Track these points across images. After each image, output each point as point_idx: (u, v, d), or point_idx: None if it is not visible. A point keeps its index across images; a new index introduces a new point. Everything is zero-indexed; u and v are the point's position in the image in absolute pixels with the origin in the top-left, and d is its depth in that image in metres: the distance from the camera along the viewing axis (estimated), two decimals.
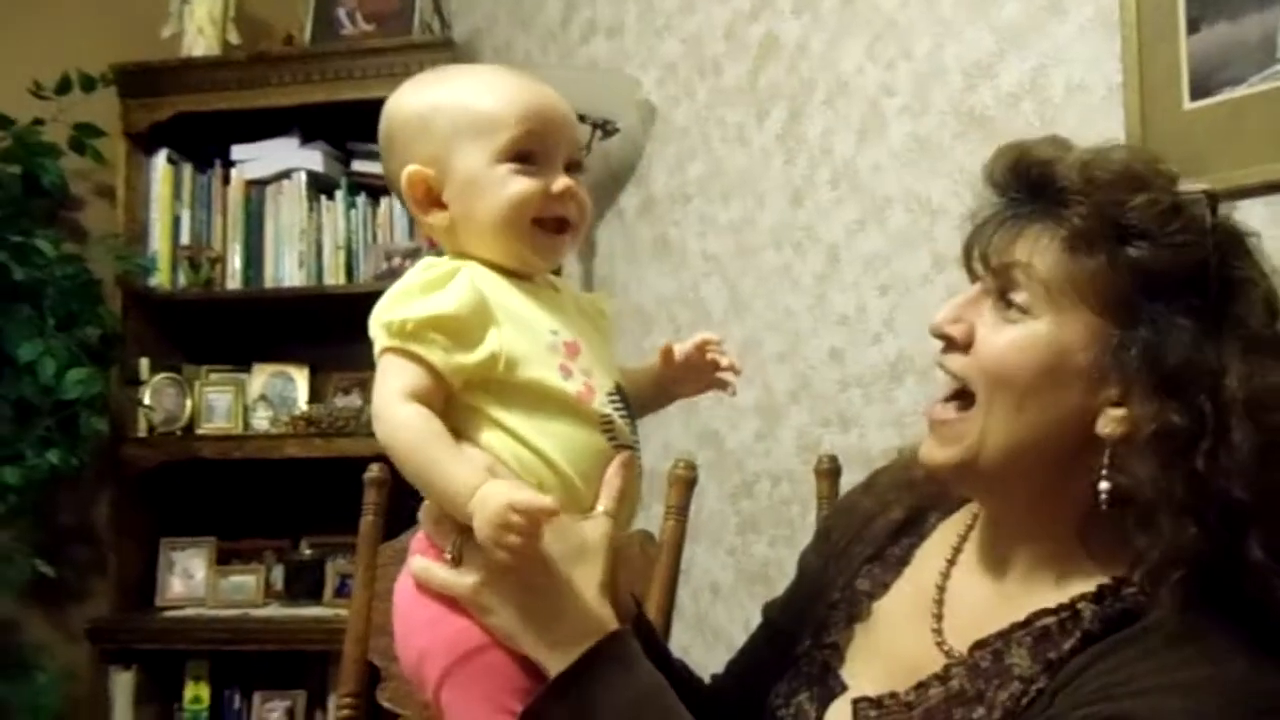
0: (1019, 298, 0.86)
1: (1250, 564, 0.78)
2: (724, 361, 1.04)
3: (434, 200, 0.92)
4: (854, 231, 2.01)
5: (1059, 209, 0.85)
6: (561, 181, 0.92)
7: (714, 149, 2.30)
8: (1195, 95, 1.50)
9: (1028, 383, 0.85)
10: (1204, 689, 0.75)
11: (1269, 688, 0.76)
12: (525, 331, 0.89)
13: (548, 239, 0.93)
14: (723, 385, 1.06)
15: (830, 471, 1.46)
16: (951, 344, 0.90)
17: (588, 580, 0.89)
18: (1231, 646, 0.77)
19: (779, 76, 2.16)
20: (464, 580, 0.88)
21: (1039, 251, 0.85)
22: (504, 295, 0.90)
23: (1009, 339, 0.86)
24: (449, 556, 0.89)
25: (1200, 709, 0.75)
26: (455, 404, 0.88)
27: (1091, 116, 1.60)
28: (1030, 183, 0.88)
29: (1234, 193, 1.44)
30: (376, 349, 0.89)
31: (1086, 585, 0.85)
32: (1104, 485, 0.83)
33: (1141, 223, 0.83)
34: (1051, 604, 0.86)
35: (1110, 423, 0.83)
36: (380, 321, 0.88)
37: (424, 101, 0.93)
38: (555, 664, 0.86)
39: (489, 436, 0.88)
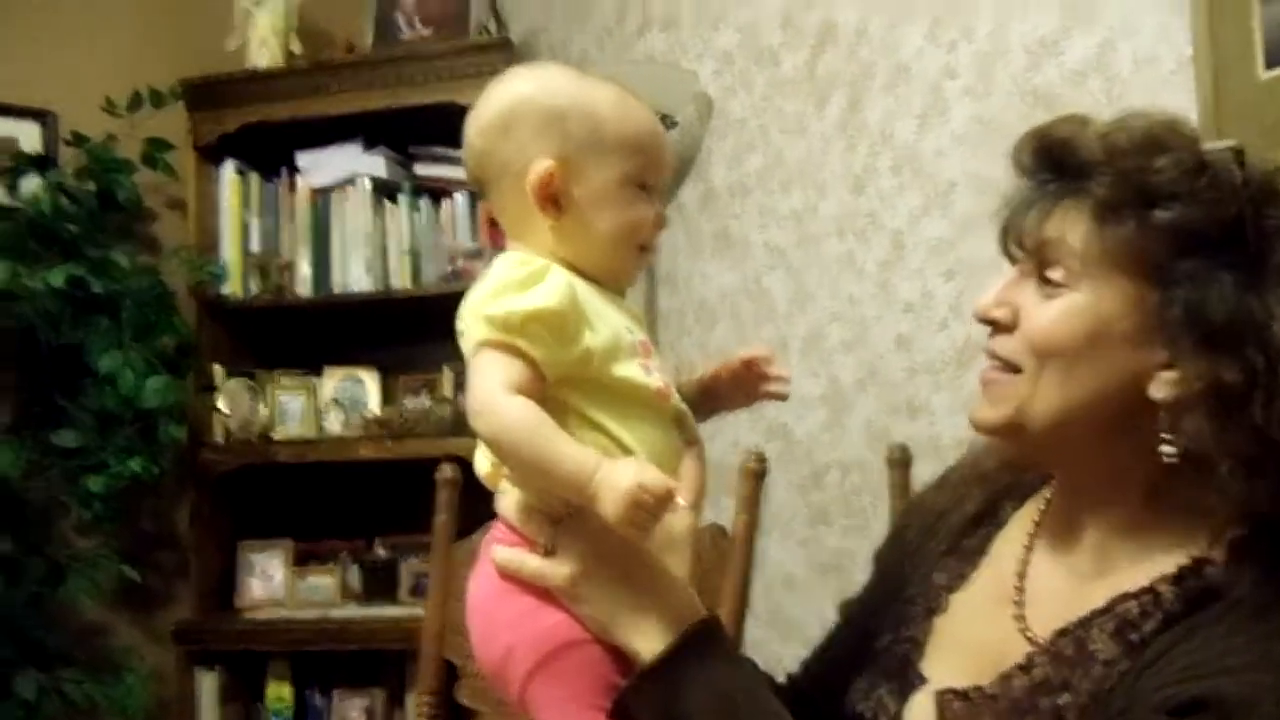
0: (1056, 274, 0.87)
1: None
2: (773, 373, 1.02)
3: (550, 197, 0.91)
4: (918, 217, 1.98)
5: (1084, 182, 0.87)
6: (661, 212, 0.95)
7: (773, 139, 2.29)
8: (1270, 64, 1.46)
9: (1074, 352, 0.86)
10: None
11: None
12: (611, 329, 0.90)
13: (640, 260, 0.97)
14: (774, 396, 1.04)
15: (901, 461, 1.45)
16: (997, 327, 0.91)
17: (676, 570, 0.90)
18: None
19: (837, 63, 2.14)
20: (560, 570, 0.88)
21: (1070, 226, 0.87)
22: (588, 295, 0.90)
23: (1052, 313, 0.87)
24: (542, 548, 0.89)
25: None
26: (545, 400, 0.88)
27: (1161, 90, 1.56)
28: (1054, 162, 0.90)
29: None
30: (471, 342, 0.88)
31: (1165, 566, 0.85)
32: (1167, 449, 0.83)
33: (1167, 184, 0.83)
34: (1132, 588, 0.85)
35: (1163, 386, 0.84)
36: (480, 315, 0.87)
37: (563, 98, 0.92)
38: (648, 651, 0.86)
39: (580, 432, 0.88)
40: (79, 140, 2.71)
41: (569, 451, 0.84)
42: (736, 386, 1.02)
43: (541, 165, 0.90)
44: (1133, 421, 0.85)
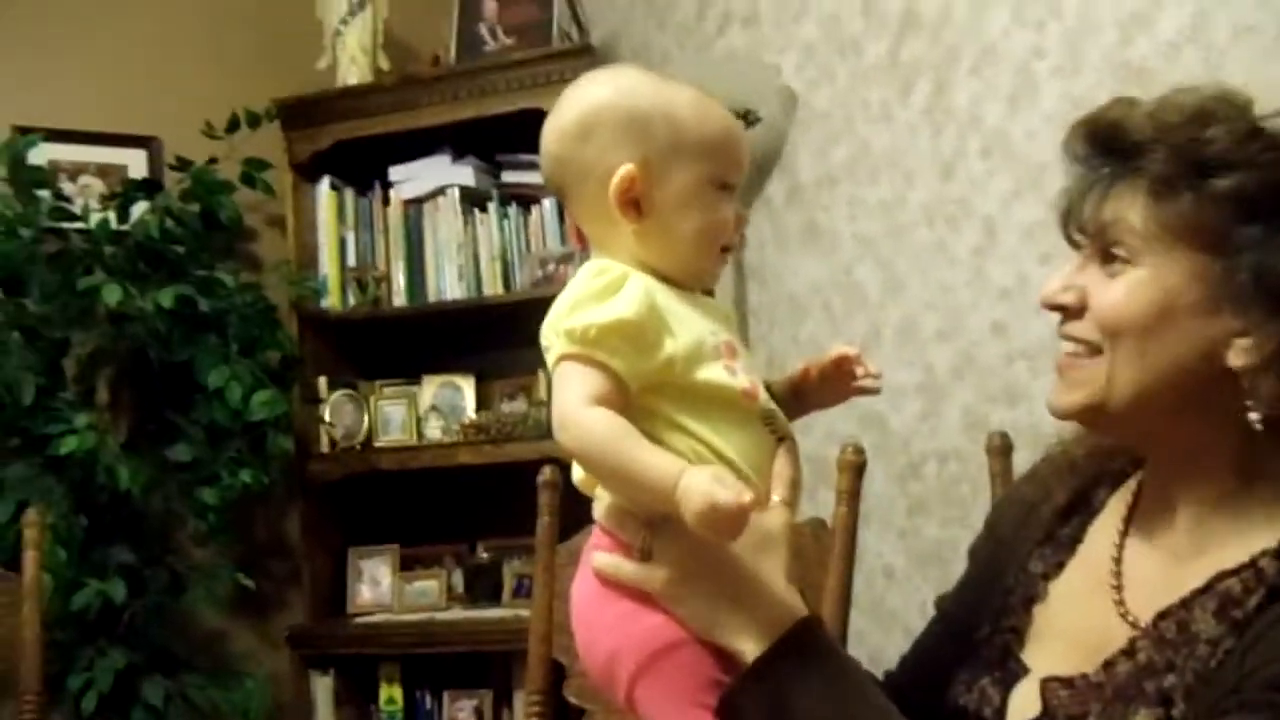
0: (1120, 253, 0.88)
1: None
2: (860, 371, 1.00)
3: (632, 202, 0.92)
4: (1009, 201, 1.95)
5: (1137, 161, 0.87)
6: (741, 212, 0.96)
7: (858, 129, 2.27)
8: None
9: (1144, 328, 0.86)
10: None
11: None
12: (693, 334, 0.90)
13: (722, 260, 0.97)
14: (865, 392, 1.03)
15: (1002, 449, 1.43)
16: (1067, 313, 0.92)
17: (774, 569, 0.90)
18: None
19: (921, 49, 2.11)
20: (656, 574, 0.89)
21: (1128, 206, 0.88)
22: (668, 300, 0.91)
23: (1118, 291, 0.88)
24: (638, 552, 0.90)
25: None
26: (632, 407, 0.89)
27: (1262, 60, 1.52)
28: (1106, 145, 0.91)
29: None
30: (552, 356, 0.89)
31: (1265, 540, 0.84)
32: (1253, 415, 0.84)
33: (1221, 153, 0.84)
34: (1231, 564, 0.85)
35: (1240, 353, 0.84)
36: (559, 329, 0.88)
37: (644, 102, 0.92)
38: (751, 651, 0.86)
39: (668, 437, 0.89)
40: (183, 164, 2.80)
41: (652, 461, 0.85)
42: (826, 384, 1.01)
43: (623, 170, 0.90)
44: (1214, 393, 0.85)
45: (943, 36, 2.06)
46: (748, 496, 0.82)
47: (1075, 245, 0.94)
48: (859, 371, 1.00)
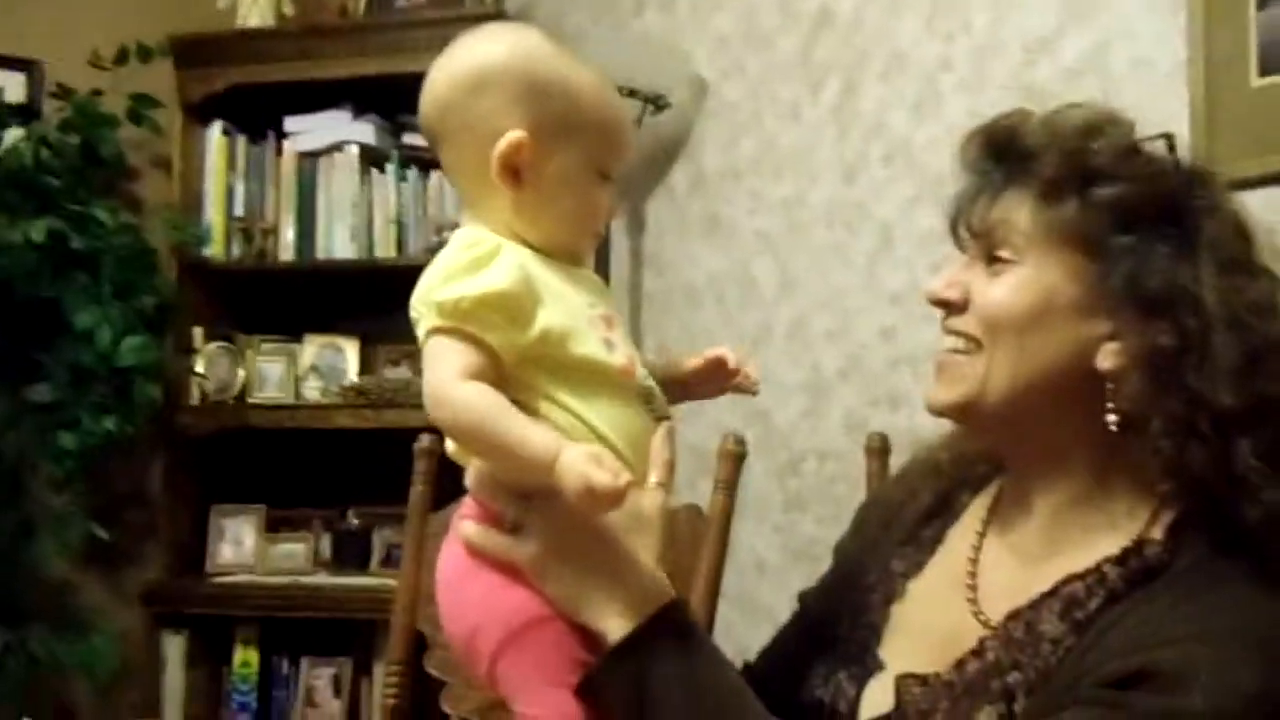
0: (1004, 253, 0.92)
1: (1240, 470, 0.82)
2: (737, 370, 1.01)
3: (511, 169, 0.89)
4: (907, 208, 1.98)
5: (1028, 165, 0.91)
6: (614, 203, 0.96)
7: (765, 124, 2.28)
8: (1264, 71, 1.46)
9: (1023, 324, 0.90)
10: (1229, 636, 0.78)
11: None
12: (568, 307, 0.89)
13: (594, 240, 0.97)
14: (743, 390, 1.04)
15: (880, 450, 1.45)
16: (950, 308, 0.95)
17: (645, 551, 0.89)
18: (1253, 590, 0.81)
19: (833, 50, 2.13)
20: (524, 548, 0.88)
21: (1016, 208, 0.92)
22: (543, 272, 0.89)
23: (1001, 288, 0.91)
24: (509, 524, 0.89)
25: (1227, 656, 0.77)
26: (506, 381, 0.87)
27: (1154, 93, 1.57)
28: (999, 150, 0.95)
29: None
30: (422, 329, 0.87)
31: (1109, 548, 0.88)
32: (1110, 417, 0.88)
33: (1106, 164, 0.89)
34: (1078, 569, 0.88)
35: (1108, 356, 0.88)
36: (429, 301, 0.85)
37: (546, 72, 0.90)
38: (615, 631, 0.86)
39: (543, 410, 0.87)
40: (64, 93, 2.67)
41: (530, 437, 0.83)
42: (707, 378, 1.01)
43: (512, 136, 0.88)
44: (1082, 394, 0.89)
45: (854, 40, 2.08)
46: (625, 479, 0.81)
47: (962, 247, 0.98)
48: (737, 371, 1.01)
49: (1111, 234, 0.88)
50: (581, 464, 0.80)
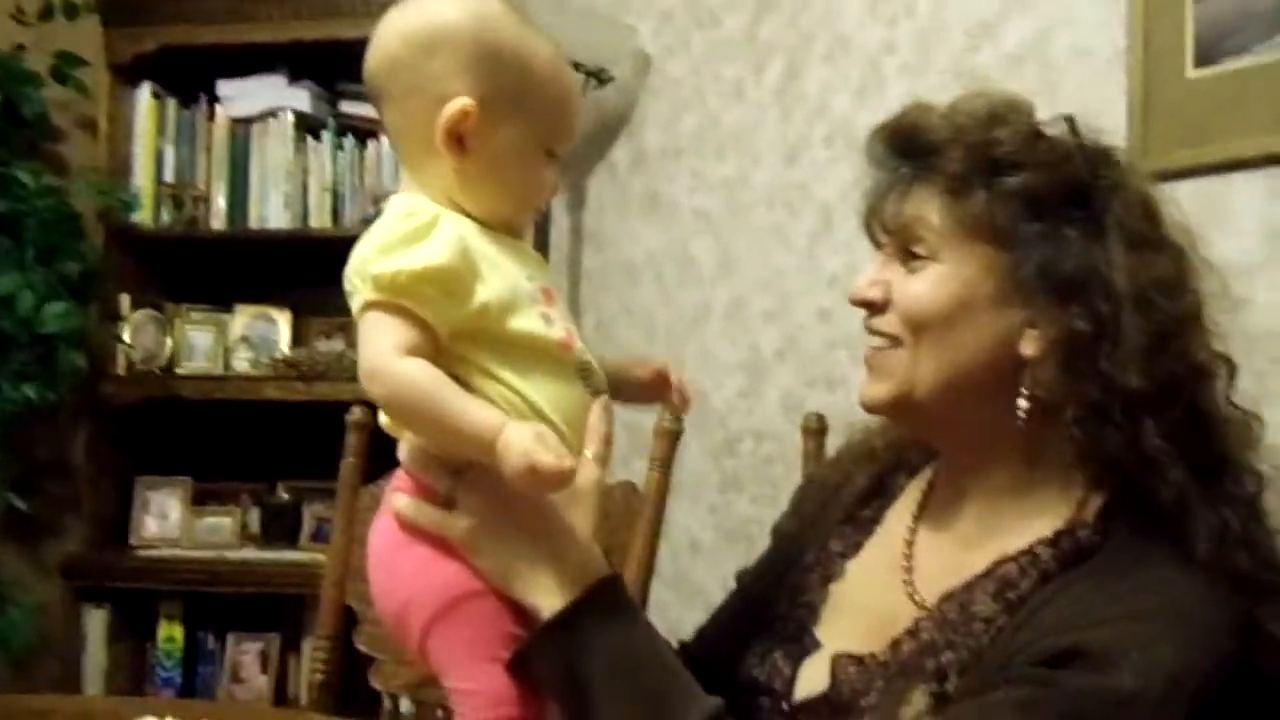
0: (920, 249, 0.93)
1: (1149, 450, 0.84)
2: (674, 391, 1.01)
3: (456, 136, 0.87)
4: (848, 191, 1.98)
5: (934, 160, 0.92)
6: (557, 182, 0.95)
7: (709, 103, 2.27)
8: (1199, 63, 1.48)
9: (944, 320, 0.91)
10: (1155, 615, 0.80)
11: (1214, 603, 0.81)
12: (507, 280, 0.87)
13: (533, 215, 0.97)
14: (673, 409, 1.06)
15: (817, 430, 1.46)
16: (873, 308, 0.96)
17: (580, 525, 0.88)
18: (1176, 570, 0.83)
19: (778, 30, 2.12)
20: (457, 522, 0.87)
21: (926, 204, 0.92)
22: (481, 244, 0.87)
23: (919, 285, 0.92)
24: (442, 498, 0.87)
25: (1153, 634, 0.79)
26: (443, 354, 0.85)
27: (1093, 81, 1.59)
28: (904, 147, 0.96)
29: (1234, 164, 1.43)
30: (357, 302, 0.85)
31: (1042, 530, 0.89)
32: (1022, 403, 0.90)
33: (1010, 153, 0.90)
34: (1012, 551, 0.90)
35: (1030, 343, 0.90)
36: (365, 274, 0.83)
37: (503, 41, 0.88)
38: (548, 606, 0.85)
39: (480, 384, 0.86)
40: None
41: (472, 413, 0.82)
42: (641, 388, 1.01)
43: (461, 102, 0.86)
44: (1008, 383, 0.91)
45: (799, 21, 2.08)
46: (569, 461, 0.80)
47: (878, 244, 0.99)
48: (674, 394, 1.01)
49: (1021, 222, 0.90)
50: (526, 442, 0.79)
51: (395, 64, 0.88)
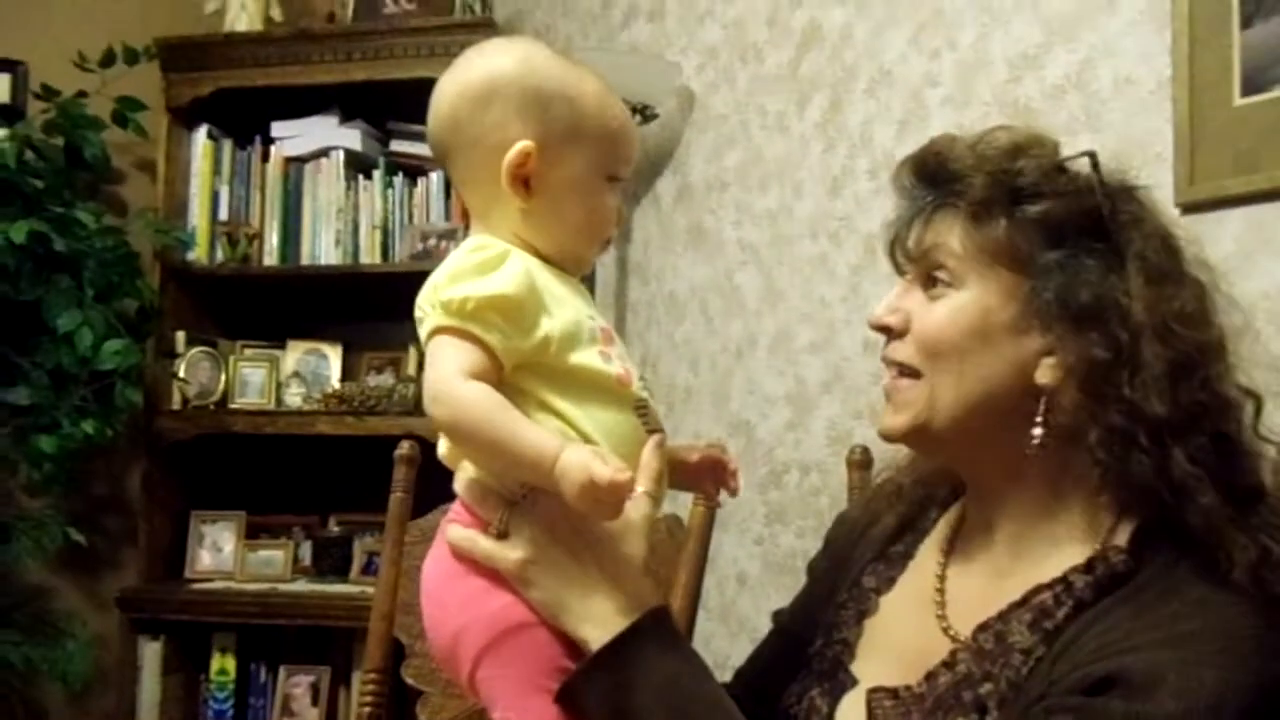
0: (942, 276, 0.94)
1: (1178, 476, 0.84)
2: (731, 485, 1.02)
3: (522, 179, 0.91)
4: (892, 223, 1.98)
5: (958, 188, 0.94)
6: (622, 208, 0.98)
7: (753, 136, 2.28)
8: (1246, 91, 1.47)
9: (963, 347, 0.92)
10: (1194, 639, 0.79)
11: (1251, 627, 0.80)
12: (570, 316, 0.90)
13: (601, 250, 0.99)
14: (711, 498, 1.06)
15: (862, 463, 1.45)
16: (891, 334, 0.97)
17: (631, 559, 0.90)
18: (1212, 592, 0.82)
19: (821, 64, 2.14)
20: (510, 554, 0.88)
21: (949, 230, 0.94)
22: (548, 281, 0.90)
23: (939, 312, 0.94)
24: (495, 530, 0.89)
25: (1192, 658, 0.78)
26: (503, 385, 0.88)
27: (1139, 111, 1.58)
28: (930, 176, 0.97)
29: None
30: (426, 327, 0.88)
31: (1075, 557, 0.89)
32: (1036, 431, 0.90)
33: (1032, 183, 0.92)
34: (1045, 579, 0.89)
35: (1046, 372, 0.90)
36: (436, 300, 0.87)
37: (551, 82, 0.92)
38: (597, 638, 0.86)
39: (537, 416, 0.88)
40: (49, 94, 2.66)
41: (530, 435, 0.84)
42: (692, 474, 1.02)
43: (520, 146, 0.89)
44: (1026, 410, 0.91)
45: (842, 54, 2.09)
46: (626, 475, 0.82)
47: (900, 271, 1.00)
48: (729, 483, 1.01)
49: (1041, 249, 0.91)
50: (585, 459, 0.81)
51: (455, 122, 0.93)
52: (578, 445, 0.83)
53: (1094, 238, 0.91)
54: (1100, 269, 0.89)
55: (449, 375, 0.85)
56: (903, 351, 0.96)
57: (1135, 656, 0.79)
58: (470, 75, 0.92)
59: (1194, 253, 0.93)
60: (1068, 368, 0.89)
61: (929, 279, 0.95)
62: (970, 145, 0.95)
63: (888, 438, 0.98)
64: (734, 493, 1.03)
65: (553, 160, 0.91)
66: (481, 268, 0.87)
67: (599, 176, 0.93)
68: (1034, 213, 0.91)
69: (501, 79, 0.91)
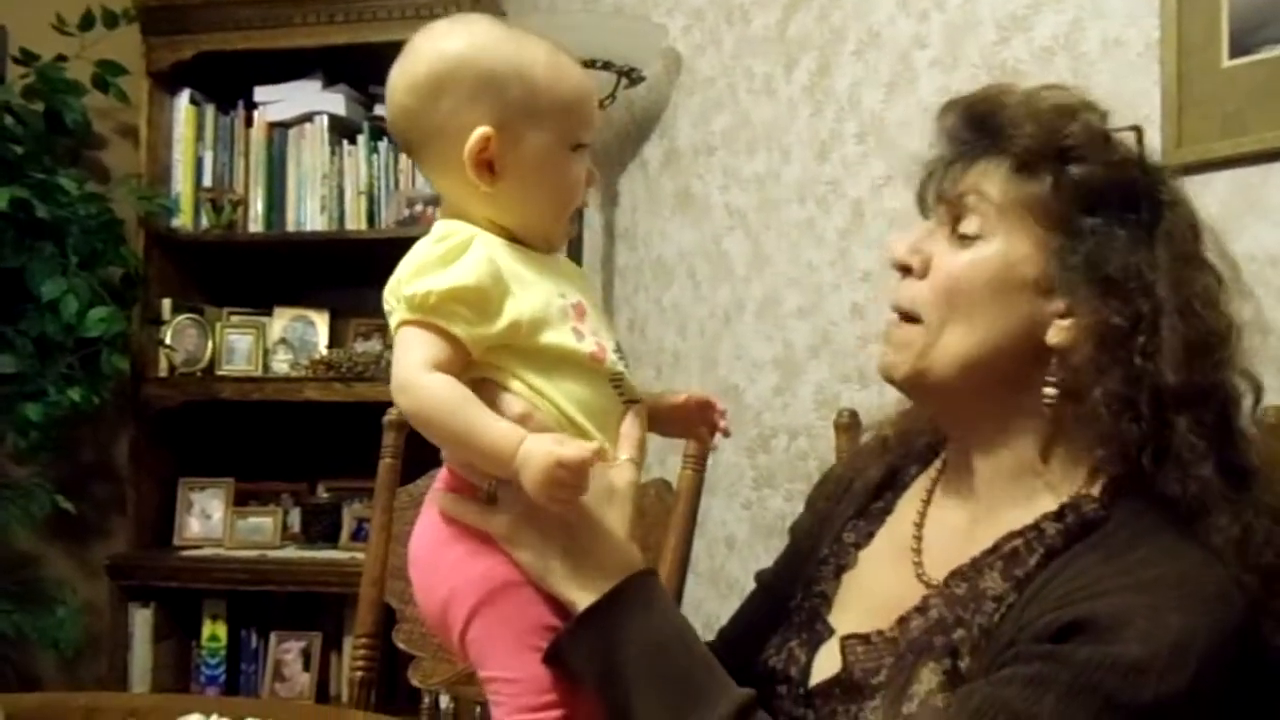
0: (970, 225, 0.93)
1: (1176, 445, 0.85)
2: (721, 424, 1.04)
3: (485, 164, 0.90)
4: (880, 187, 1.98)
5: (1007, 136, 0.93)
6: (592, 169, 0.96)
7: (740, 100, 2.27)
8: (1234, 53, 1.47)
9: (980, 296, 0.92)
10: (1160, 584, 0.81)
11: (1216, 575, 0.82)
12: (538, 297, 0.90)
13: (573, 222, 0.99)
14: (703, 442, 1.10)
15: (850, 426, 1.46)
16: (908, 273, 0.97)
17: (617, 522, 0.91)
18: (1179, 541, 0.84)
19: (808, 26, 2.12)
20: (498, 517, 0.90)
21: (989, 177, 0.93)
22: (514, 263, 0.91)
23: (963, 260, 0.93)
24: (484, 494, 0.90)
25: (1159, 603, 0.79)
26: (476, 364, 0.89)
27: (1127, 72, 1.57)
28: (978, 123, 0.96)
29: (1271, 154, 1.42)
30: (394, 320, 0.89)
31: (1048, 505, 0.91)
32: (1049, 390, 0.91)
33: (1080, 145, 0.91)
34: (1018, 526, 0.91)
35: (1059, 332, 0.90)
36: (400, 295, 0.88)
37: (500, 62, 0.90)
38: (584, 599, 0.88)
39: (514, 389, 0.90)
40: (28, 58, 2.63)
41: (490, 428, 0.85)
42: (681, 419, 1.03)
43: (479, 133, 0.89)
44: (1028, 368, 0.91)
45: (830, 16, 2.08)
46: (589, 450, 0.83)
47: (926, 213, 1.00)
48: (720, 424, 1.03)
49: (1078, 212, 0.91)
50: (547, 444, 0.83)
51: (410, 114, 0.92)
52: (537, 435, 0.84)
53: (1128, 210, 0.91)
54: (1130, 241, 0.90)
55: (413, 368, 0.86)
56: (915, 294, 0.96)
57: (1102, 601, 0.80)
58: (418, 68, 0.91)
59: (1218, 246, 0.94)
60: (1083, 330, 0.89)
61: (955, 225, 0.95)
62: (1024, 99, 0.95)
63: (887, 375, 0.99)
64: (726, 433, 1.04)
65: (513, 141, 0.90)
66: (444, 259, 0.88)
67: (562, 148, 0.93)
68: (1077, 174, 0.91)
69: (449, 65, 0.90)
